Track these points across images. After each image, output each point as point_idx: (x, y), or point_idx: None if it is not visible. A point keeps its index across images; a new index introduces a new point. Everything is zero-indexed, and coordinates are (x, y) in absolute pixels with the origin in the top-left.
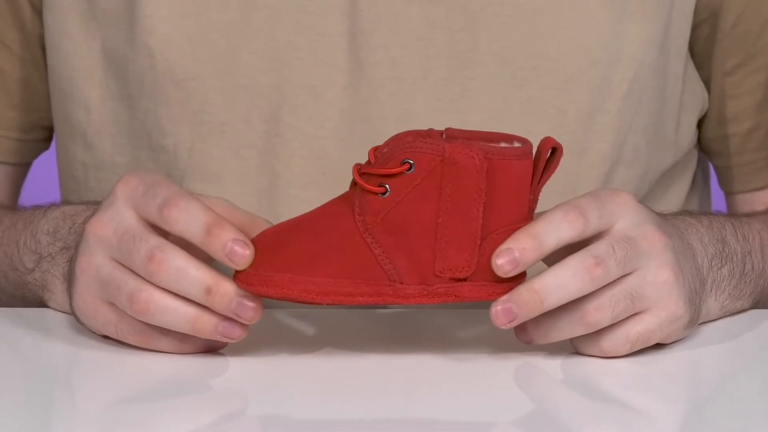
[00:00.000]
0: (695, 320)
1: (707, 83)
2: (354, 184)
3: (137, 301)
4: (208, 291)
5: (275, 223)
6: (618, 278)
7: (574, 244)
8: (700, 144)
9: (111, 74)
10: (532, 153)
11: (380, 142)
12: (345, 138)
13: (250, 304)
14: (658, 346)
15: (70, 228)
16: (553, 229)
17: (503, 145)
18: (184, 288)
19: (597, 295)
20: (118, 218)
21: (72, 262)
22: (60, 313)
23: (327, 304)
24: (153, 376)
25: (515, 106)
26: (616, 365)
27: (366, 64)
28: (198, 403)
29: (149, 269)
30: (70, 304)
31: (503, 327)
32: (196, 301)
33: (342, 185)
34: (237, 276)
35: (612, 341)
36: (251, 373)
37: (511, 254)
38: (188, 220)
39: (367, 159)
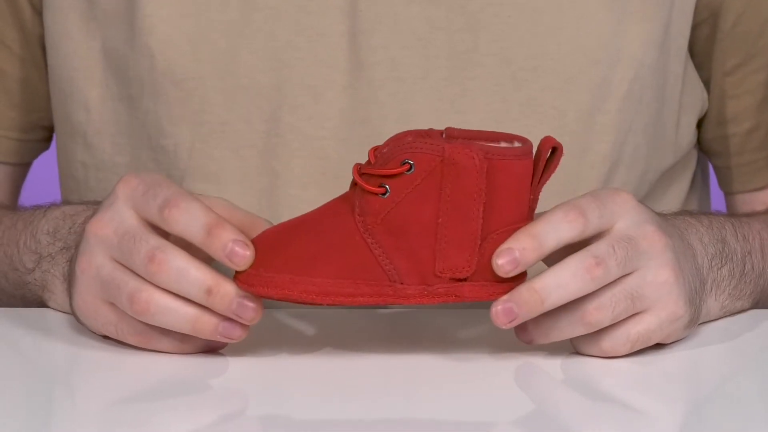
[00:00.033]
0: (695, 320)
1: (707, 83)
2: (354, 184)
3: (137, 301)
4: (209, 291)
5: (275, 223)
6: (618, 278)
7: (574, 244)
8: (700, 144)
9: (111, 74)
10: (532, 153)
11: (380, 142)
12: (345, 138)
13: (251, 304)
14: (658, 346)
15: (70, 228)
16: (553, 229)
17: (503, 144)
18: (185, 288)
19: (597, 295)
20: (119, 218)
21: (72, 262)
22: (60, 313)
23: (327, 305)
24: (153, 376)
25: (515, 106)
26: (616, 365)
27: (366, 65)
28: (198, 403)
29: (150, 270)
30: (70, 304)
31: (504, 327)
32: (197, 301)
33: (342, 185)
34: (237, 276)
35: (612, 341)
36: (251, 373)
37: (512, 254)
38: (188, 220)
39: (367, 159)
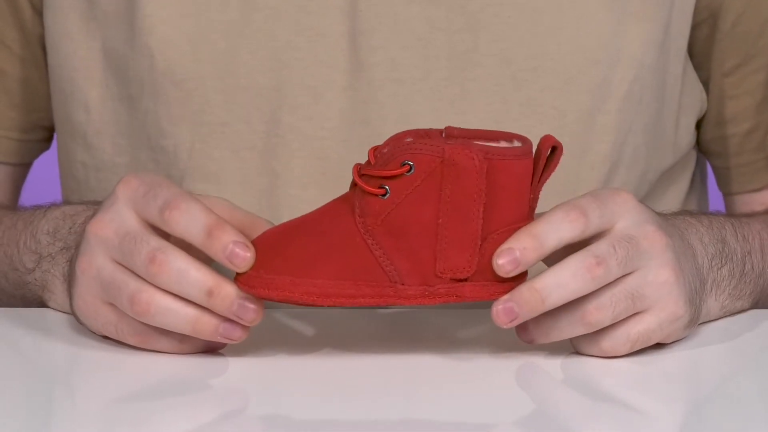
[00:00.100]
0: (695, 320)
1: (706, 84)
2: (354, 184)
3: (138, 302)
4: (210, 293)
5: (276, 223)
6: (619, 278)
7: (574, 244)
8: (699, 145)
9: (111, 74)
10: (532, 152)
11: (380, 143)
12: (345, 138)
13: (252, 306)
14: (658, 345)
15: (70, 228)
16: (554, 228)
17: (503, 143)
18: (185, 290)
19: (598, 294)
20: (119, 219)
21: (72, 262)
22: (60, 313)
23: (328, 306)
24: (153, 376)
25: (515, 106)
26: (616, 365)
27: (366, 65)
28: (198, 403)
29: (150, 271)
30: (70, 305)
31: (504, 326)
32: (198, 302)
33: (342, 186)
34: (238, 278)
35: (612, 341)
36: (251, 373)
37: (512, 254)
38: (189, 221)
39: (366, 159)
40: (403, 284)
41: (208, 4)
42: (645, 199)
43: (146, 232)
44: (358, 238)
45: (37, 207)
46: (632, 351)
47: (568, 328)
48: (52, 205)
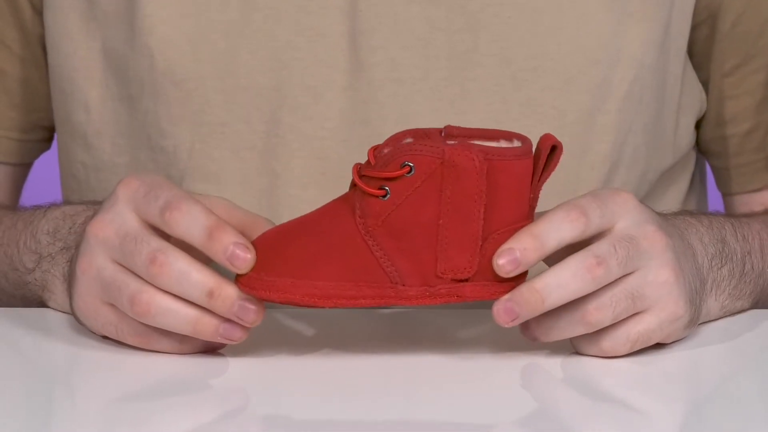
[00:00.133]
0: (695, 320)
1: (705, 84)
2: (354, 185)
3: (138, 303)
4: (210, 294)
5: (276, 223)
6: (619, 278)
7: (575, 244)
8: (698, 145)
9: (111, 74)
10: (532, 152)
11: (380, 143)
12: (345, 139)
13: (252, 307)
14: (658, 345)
15: (70, 228)
16: (554, 228)
17: (502, 142)
18: (186, 291)
19: (598, 294)
20: (120, 220)
21: (72, 262)
22: (60, 313)
23: (329, 307)
24: (153, 376)
25: (515, 106)
26: (616, 365)
27: (366, 65)
28: (198, 403)
29: (151, 272)
30: (70, 305)
31: (506, 326)
32: (198, 303)
33: (342, 186)
34: (239, 279)
35: (612, 341)
36: (251, 373)
37: (513, 254)
38: (190, 223)
39: (366, 159)
40: (404, 285)
41: (208, 4)
42: (645, 199)
43: (147, 233)
44: (359, 239)
45: (37, 207)
46: (632, 351)
47: (568, 328)
48: (52, 205)
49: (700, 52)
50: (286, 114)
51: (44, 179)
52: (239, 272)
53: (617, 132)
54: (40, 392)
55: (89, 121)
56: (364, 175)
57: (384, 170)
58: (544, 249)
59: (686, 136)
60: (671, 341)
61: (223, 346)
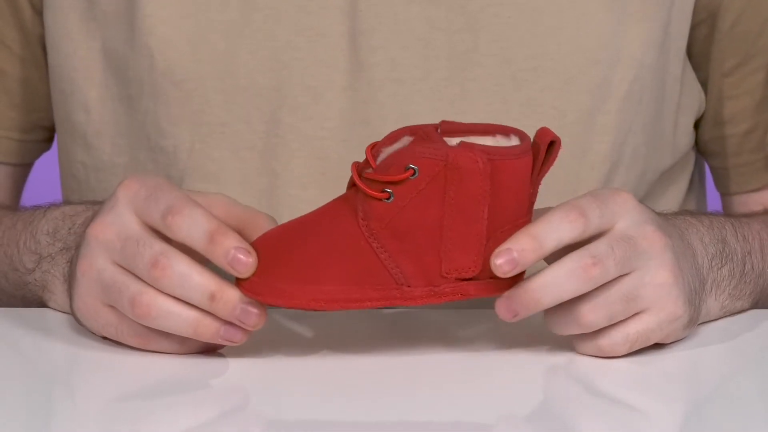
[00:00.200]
0: (695, 320)
1: (704, 84)
2: (353, 184)
3: (139, 305)
4: (212, 297)
5: (273, 214)
6: (616, 278)
7: (574, 243)
8: (697, 145)
9: (111, 74)
10: (530, 148)
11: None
12: (345, 139)
13: (255, 310)
14: (658, 345)
15: (69, 229)
16: (553, 229)
17: (498, 137)
18: (188, 294)
19: (593, 296)
20: (120, 222)
21: (72, 263)
22: (60, 313)
23: (335, 311)
24: (153, 376)
25: (515, 106)
26: (616, 365)
27: (366, 65)
28: (198, 404)
29: (153, 275)
30: (71, 306)
31: (509, 321)
32: (200, 306)
33: (342, 186)
34: (244, 285)
35: (610, 340)
36: (251, 373)
37: (510, 254)
38: (191, 227)
39: (365, 158)
40: (408, 286)
41: (208, 5)
42: (644, 199)
43: (148, 236)
44: (363, 241)
45: (37, 207)
46: (631, 351)
47: (564, 327)
48: (52, 206)
49: (699, 52)
50: (286, 114)
51: (44, 179)
52: (241, 276)
53: (617, 132)
54: (40, 392)
55: (89, 121)
56: (366, 178)
57: (387, 174)
58: (542, 250)
59: (685, 136)
60: (670, 341)
61: (222, 346)
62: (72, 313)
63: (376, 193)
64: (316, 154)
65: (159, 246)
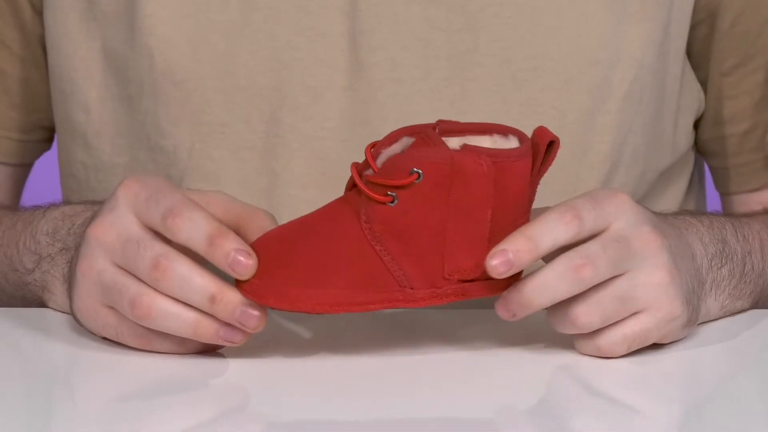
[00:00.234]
0: (693, 320)
1: (704, 84)
2: (352, 186)
3: (139, 306)
4: (212, 299)
5: (273, 214)
6: (610, 279)
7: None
8: (697, 145)
9: (111, 75)
10: (531, 149)
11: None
12: (345, 139)
13: (255, 313)
14: (658, 346)
15: (69, 229)
16: (549, 230)
17: (495, 137)
18: (188, 296)
19: (586, 297)
20: (121, 224)
21: (72, 264)
22: (60, 313)
23: (339, 314)
24: (153, 376)
25: (515, 107)
26: (615, 365)
27: (366, 65)
28: (198, 404)
29: (154, 277)
30: (70, 306)
31: (509, 320)
32: (200, 308)
33: (342, 186)
34: (244, 288)
35: (609, 340)
36: (251, 373)
37: (506, 255)
38: (191, 229)
39: (364, 159)
40: (411, 288)
41: (208, 5)
42: (644, 199)
43: (149, 238)
44: (366, 245)
45: (37, 207)
46: (630, 351)
47: (563, 327)
48: (51, 206)
49: (698, 52)
50: (286, 114)
51: (44, 179)
52: (241, 278)
53: (617, 132)
54: (40, 392)
55: (89, 122)
56: (369, 181)
57: (392, 178)
58: (538, 251)
59: (685, 135)
60: (669, 341)
61: (222, 346)
62: (72, 313)
63: (379, 197)
64: (316, 154)
65: (160, 248)
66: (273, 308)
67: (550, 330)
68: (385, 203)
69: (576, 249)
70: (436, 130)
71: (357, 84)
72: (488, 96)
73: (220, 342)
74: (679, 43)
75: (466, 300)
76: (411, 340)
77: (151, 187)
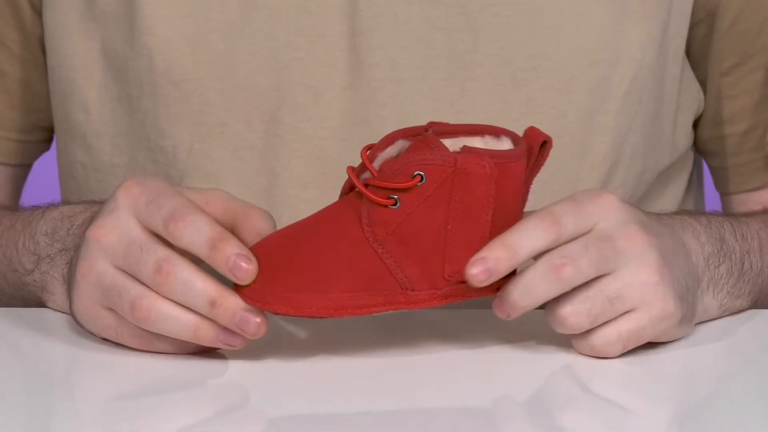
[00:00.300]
0: (689, 318)
1: (703, 83)
2: (350, 189)
3: (139, 308)
4: (213, 303)
5: (273, 214)
6: (595, 279)
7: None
8: (696, 145)
9: (110, 75)
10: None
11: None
12: (344, 139)
13: (255, 319)
14: (656, 345)
15: (68, 229)
16: (527, 237)
17: (487, 138)
18: (189, 300)
19: (571, 297)
20: (122, 227)
21: (72, 265)
22: (60, 314)
23: (343, 317)
24: (152, 376)
25: (515, 106)
26: (614, 365)
27: (365, 65)
28: (198, 404)
29: (156, 280)
30: (70, 307)
31: (505, 320)
32: (201, 312)
33: (342, 186)
34: (244, 292)
35: (603, 340)
36: (251, 373)
37: (485, 264)
38: (193, 234)
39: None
40: (413, 290)
41: (207, 5)
42: (643, 198)
43: (152, 242)
44: (368, 248)
45: (36, 207)
46: (625, 350)
47: (555, 328)
48: (51, 206)
49: (698, 52)
50: (286, 114)
51: (44, 179)
52: (241, 283)
53: (617, 132)
54: (40, 392)
55: (88, 122)
56: (370, 185)
57: (395, 181)
58: (516, 258)
59: (684, 135)
60: (665, 340)
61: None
62: (71, 314)
63: (382, 200)
64: (316, 154)
65: (162, 252)
66: (276, 313)
67: (549, 330)
68: (387, 206)
69: (557, 249)
70: (429, 132)
71: (357, 84)
72: (488, 96)
73: (219, 345)
74: (679, 42)
75: (466, 300)
76: (411, 340)
77: (151, 190)
